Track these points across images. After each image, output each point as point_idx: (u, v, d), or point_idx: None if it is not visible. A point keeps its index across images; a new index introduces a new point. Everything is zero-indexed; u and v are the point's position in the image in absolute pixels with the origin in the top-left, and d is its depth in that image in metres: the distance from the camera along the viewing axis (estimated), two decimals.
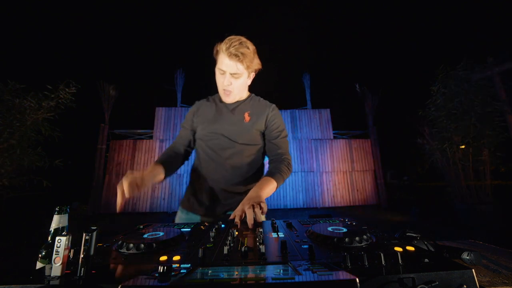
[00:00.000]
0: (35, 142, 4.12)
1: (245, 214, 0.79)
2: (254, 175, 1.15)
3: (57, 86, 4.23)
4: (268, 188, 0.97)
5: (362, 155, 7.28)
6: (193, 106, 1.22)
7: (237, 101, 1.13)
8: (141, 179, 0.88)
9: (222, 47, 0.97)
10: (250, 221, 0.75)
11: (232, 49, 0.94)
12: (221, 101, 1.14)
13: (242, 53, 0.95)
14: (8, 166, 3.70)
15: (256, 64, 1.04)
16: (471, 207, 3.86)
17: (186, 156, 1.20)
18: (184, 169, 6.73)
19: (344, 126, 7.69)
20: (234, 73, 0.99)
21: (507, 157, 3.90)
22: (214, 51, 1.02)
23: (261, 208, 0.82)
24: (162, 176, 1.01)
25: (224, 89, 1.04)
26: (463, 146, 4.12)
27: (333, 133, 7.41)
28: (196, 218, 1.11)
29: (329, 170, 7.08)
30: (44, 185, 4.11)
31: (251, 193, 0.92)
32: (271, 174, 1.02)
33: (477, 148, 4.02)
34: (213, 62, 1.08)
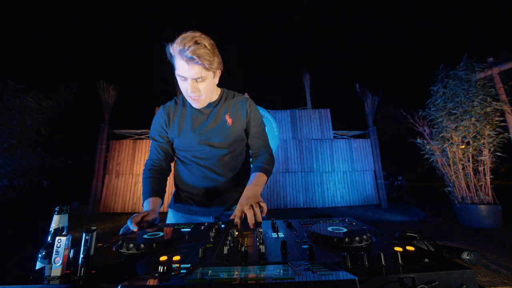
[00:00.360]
0: (35, 142, 4.12)
1: (245, 214, 0.79)
2: (245, 171, 1.15)
3: (57, 86, 4.23)
4: (262, 183, 0.98)
5: (362, 155, 7.27)
6: (158, 114, 1.08)
7: (210, 103, 1.04)
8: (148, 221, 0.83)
9: (175, 50, 0.83)
10: (251, 221, 0.75)
11: (187, 53, 0.81)
12: (191, 106, 1.04)
13: (199, 55, 0.82)
14: (8, 166, 3.70)
15: (218, 62, 0.91)
16: (471, 207, 3.86)
17: (166, 171, 1.11)
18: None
19: (344, 126, 7.69)
20: (198, 78, 0.87)
21: (507, 157, 3.91)
22: (168, 54, 0.89)
23: (261, 207, 0.82)
24: (158, 201, 0.98)
25: (190, 97, 0.93)
26: (463, 146, 4.12)
27: (333, 133, 7.41)
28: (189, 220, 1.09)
29: (329, 170, 7.08)
30: (44, 185, 4.11)
31: (248, 192, 0.91)
32: (261, 168, 1.02)
33: (477, 148, 4.02)
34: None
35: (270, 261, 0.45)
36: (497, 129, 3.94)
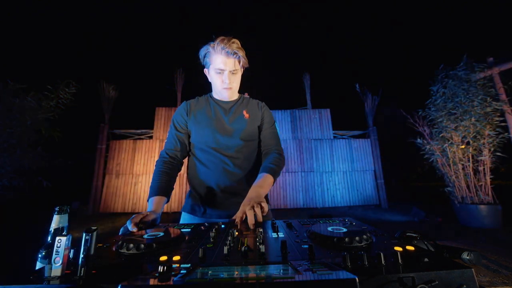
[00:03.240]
0: (35, 142, 4.12)
1: (246, 215, 0.79)
2: (256, 172, 1.14)
3: (57, 86, 4.23)
4: (266, 185, 0.99)
5: (362, 155, 7.27)
6: (181, 107, 1.18)
7: (231, 101, 1.18)
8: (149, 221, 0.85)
9: (217, 48, 1.01)
10: (250, 222, 0.75)
11: (229, 49, 1.00)
12: (215, 102, 1.17)
13: (236, 51, 1.01)
14: (8, 166, 3.70)
15: (245, 61, 1.09)
16: (471, 207, 3.86)
17: (178, 167, 1.14)
18: (183, 169, 6.71)
19: (344, 126, 7.70)
20: (233, 70, 1.05)
21: (507, 157, 3.91)
22: (204, 53, 1.06)
23: (262, 208, 0.82)
24: (164, 204, 1.00)
25: (224, 87, 1.09)
26: (463, 146, 4.12)
27: (333, 133, 7.41)
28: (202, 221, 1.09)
29: (329, 170, 7.08)
30: (44, 185, 4.11)
31: (250, 193, 0.92)
32: (268, 169, 1.04)
33: (477, 148, 4.02)
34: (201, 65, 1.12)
35: (270, 261, 0.45)
36: (497, 129, 3.93)
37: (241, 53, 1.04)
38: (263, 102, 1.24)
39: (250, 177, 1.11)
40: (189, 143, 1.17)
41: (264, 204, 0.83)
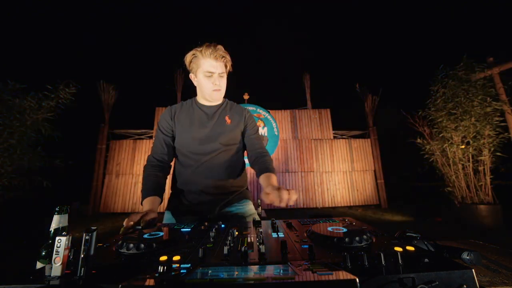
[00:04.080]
0: (35, 142, 4.11)
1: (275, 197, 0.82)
2: (237, 175, 1.21)
3: (57, 86, 4.22)
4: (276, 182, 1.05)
5: (362, 155, 7.27)
6: (165, 112, 1.22)
7: (215, 106, 1.22)
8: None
9: (205, 53, 1.07)
10: (285, 197, 0.79)
11: (217, 53, 1.07)
12: (198, 106, 1.21)
13: (224, 55, 1.10)
14: (8, 166, 3.70)
15: (230, 66, 1.17)
16: (471, 207, 3.86)
17: (165, 171, 1.18)
18: None
19: (344, 126, 7.69)
20: (221, 73, 1.12)
21: (507, 157, 3.90)
22: (190, 59, 1.12)
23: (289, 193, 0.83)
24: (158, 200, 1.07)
25: (214, 90, 1.13)
26: (463, 146, 4.12)
27: (333, 133, 7.41)
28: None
29: (329, 170, 7.08)
30: (44, 185, 4.11)
31: (272, 187, 0.93)
32: (268, 170, 1.11)
33: (477, 148, 4.02)
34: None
35: (270, 261, 0.45)
36: (497, 129, 3.93)
37: (228, 57, 1.12)
38: (247, 109, 1.29)
39: (228, 180, 1.17)
40: (174, 147, 1.21)
41: (292, 191, 0.84)
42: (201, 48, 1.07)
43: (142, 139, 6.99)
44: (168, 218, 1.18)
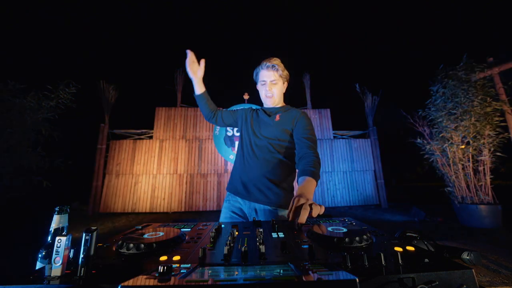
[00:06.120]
0: (35, 142, 4.11)
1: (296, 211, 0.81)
2: (280, 171, 1.23)
3: (57, 86, 4.22)
4: (313, 189, 1.00)
5: (362, 155, 7.27)
6: (245, 108, 1.46)
7: (274, 107, 1.37)
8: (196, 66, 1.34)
9: (262, 66, 1.29)
10: (303, 219, 0.74)
11: (268, 63, 1.27)
12: (261, 109, 1.41)
13: (275, 65, 1.26)
14: (8, 166, 3.70)
15: (286, 73, 1.32)
16: (471, 207, 3.86)
17: (213, 110, 1.44)
18: (184, 169, 6.73)
19: (344, 126, 7.69)
20: (273, 80, 1.28)
21: (507, 157, 3.90)
22: (254, 74, 1.35)
23: (314, 208, 0.81)
24: (202, 88, 1.39)
25: (266, 95, 1.31)
26: (463, 146, 4.12)
27: (333, 133, 7.41)
28: (233, 199, 1.28)
29: (329, 170, 7.08)
30: (44, 185, 4.11)
31: (307, 194, 0.92)
32: (311, 173, 1.05)
33: (477, 148, 4.02)
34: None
35: (270, 261, 0.45)
36: (497, 129, 3.93)
37: (280, 67, 1.28)
38: (303, 111, 1.35)
39: (277, 177, 1.23)
40: (223, 121, 1.45)
41: (320, 207, 0.81)
42: (261, 64, 1.29)
43: (142, 139, 6.99)
44: (226, 198, 1.34)
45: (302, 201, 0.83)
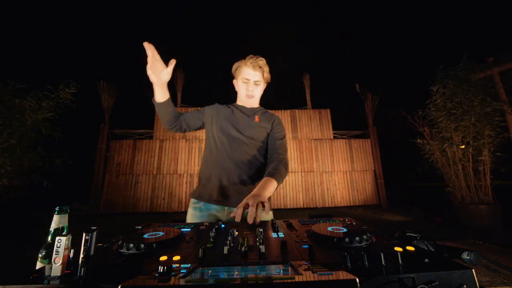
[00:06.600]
0: (35, 142, 4.11)
1: (247, 210, 0.80)
2: (257, 173, 1.22)
3: (57, 86, 4.22)
4: (271, 188, 1.02)
5: (362, 155, 7.27)
6: (212, 105, 1.37)
7: (250, 108, 1.33)
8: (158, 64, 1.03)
9: (246, 62, 1.22)
10: (251, 217, 0.77)
11: (256, 63, 1.21)
12: (235, 107, 1.34)
13: (262, 66, 1.23)
14: (8, 166, 3.69)
15: (269, 76, 1.30)
16: (471, 207, 3.86)
17: (175, 117, 1.25)
18: (184, 169, 6.73)
19: (344, 126, 7.69)
20: (257, 81, 1.25)
21: (507, 157, 3.90)
22: (234, 68, 1.28)
23: (264, 207, 0.84)
24: (166, 94, 1.14)
25: (247, 94, 1.27)
26: (463, 146, 4.11)
27: (333, 133, 7.41)
28: (206, 207, 1.17)
29: (329, 170, 7.08)
30: (44, 185, 4.11)
31: (255, 191, 0.95)
32: (272, 174, 1.08)
33: (477, 148, 4.02)
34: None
35: (270, 261, 0.45)
36: (497, 129, 3.93)
37: (265, 69, 1.25)
38: (277, 116, 1.37)
39: (252, 178, 1.20)
40: (187, 125, 1.30)
41: (267, 204, 0.85)
42: (246, 59, 1.23)
43: (142, 139, 6.99)
44: (191, 205, 1.24)
45: (249, 200, 0.85)
